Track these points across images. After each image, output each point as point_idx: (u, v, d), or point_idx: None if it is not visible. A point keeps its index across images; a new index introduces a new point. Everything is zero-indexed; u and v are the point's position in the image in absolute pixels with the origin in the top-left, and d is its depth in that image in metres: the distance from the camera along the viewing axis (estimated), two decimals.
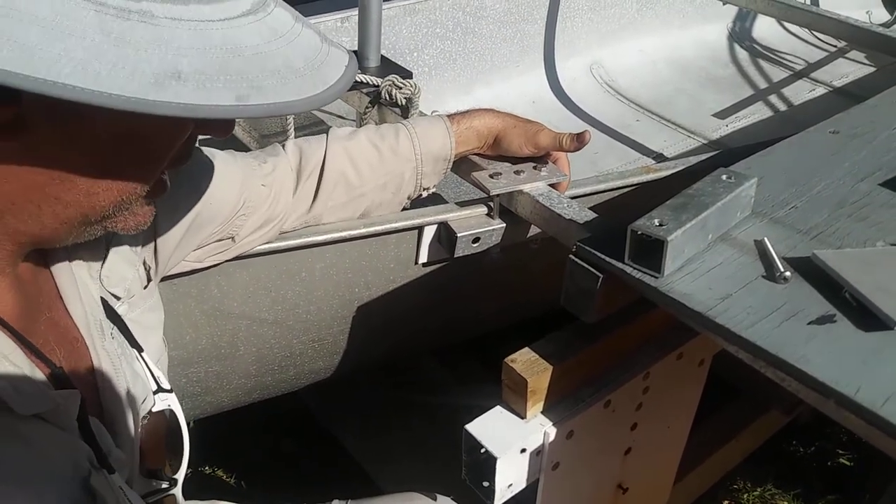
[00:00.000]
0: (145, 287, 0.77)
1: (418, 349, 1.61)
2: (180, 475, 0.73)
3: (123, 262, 0.74)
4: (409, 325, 1.29)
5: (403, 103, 1.28)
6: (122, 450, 0.65)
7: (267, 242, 0.98)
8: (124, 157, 0.55)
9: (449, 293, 1.24)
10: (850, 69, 2.39)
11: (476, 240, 1.08)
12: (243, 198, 0.90)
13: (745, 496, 1.69)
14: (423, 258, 1.12)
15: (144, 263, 0.77)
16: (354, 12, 1.64)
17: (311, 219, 1.01)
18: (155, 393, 0.73)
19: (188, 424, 1.57)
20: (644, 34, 2.38)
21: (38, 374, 0.57)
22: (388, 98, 1.30)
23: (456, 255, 1.08)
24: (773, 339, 0.68)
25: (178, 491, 0.71)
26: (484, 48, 2.09)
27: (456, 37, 2.02)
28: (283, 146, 1.00)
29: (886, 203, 0.91)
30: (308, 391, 1.37)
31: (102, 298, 0.70)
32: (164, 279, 0.90)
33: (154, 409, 0.72)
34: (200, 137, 0.64)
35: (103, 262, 0.71)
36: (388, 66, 1.48)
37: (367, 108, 1.34)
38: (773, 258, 0.78)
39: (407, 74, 1.40)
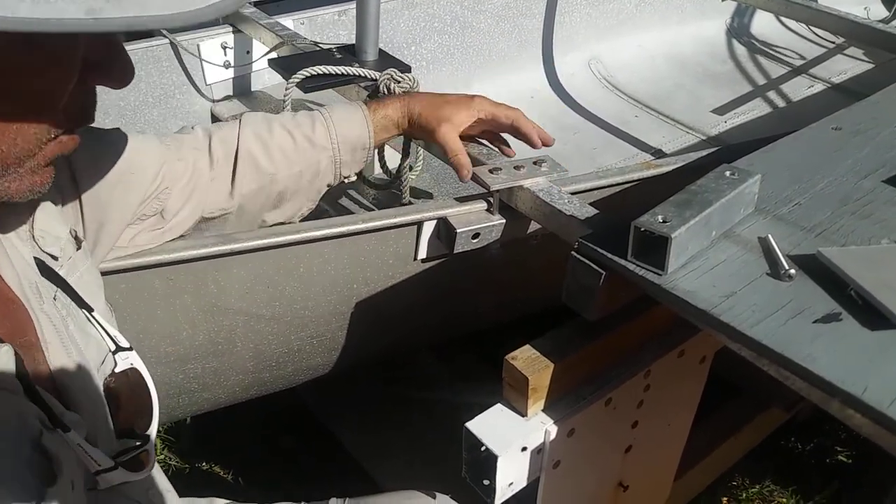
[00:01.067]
0: (77, 249, 0.75)
1: (417, 345, 1.60)
2: (152, 431, 0.71)
3: (54, 222, 0.72)
4: (408, 321, 1.28)
5: None
6: (79, 410, 0.63)
7: (202, 231, 0.99)
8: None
9: (448, 289, 1.23)
10: (848, 65, 2.38)
11: (476, 235, 1.07)
12: (161, 172, 0.90)
13: (744, 493, 1.68)
14: (423, 254, 1.11)
15: (71, 230, 0.75)
16: (352, 6, 1.62)
17: (232, 206, 0.99)
18: (114, 353, 0.71)
19: (184, 421, 1.56)
20: (642, 29, 2.37)
21: None
22: (386, 92, 1.28)
23: (455, 251, 1.07)
24: (779, 337, 0.67)
25: (150, 447, 0.69)
26: (482, 43, 2.07)
27: (454, 31, 2.01)
28: (193, 128, 0.99)
29: (890, 200, 0.90)
30: (306, 387, 1.36)
31: (38, 259, 0.68)
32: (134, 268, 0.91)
33: (117, 370, 0.70)
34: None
35: (32, 224, 0.69)
36: (386, 60, 1.47)
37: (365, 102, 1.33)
38: (778, 256, 0.77)
39: (405, 68, 1.39)
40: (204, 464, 1.70)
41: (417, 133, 1.10)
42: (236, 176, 0.98)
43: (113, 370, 0.71)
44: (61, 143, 0.58)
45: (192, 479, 1.67)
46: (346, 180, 1.09)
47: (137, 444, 0.68)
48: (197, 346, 1.06)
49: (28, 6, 0.41)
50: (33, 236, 0.69)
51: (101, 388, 0.69)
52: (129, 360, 0.72)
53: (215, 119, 1.71)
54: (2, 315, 0.62)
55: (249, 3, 1.69)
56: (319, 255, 1.05)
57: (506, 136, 1.15)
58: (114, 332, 0.72)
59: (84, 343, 0.68)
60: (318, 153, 1.02)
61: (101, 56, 0.55)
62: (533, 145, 1.11)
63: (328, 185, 1.07)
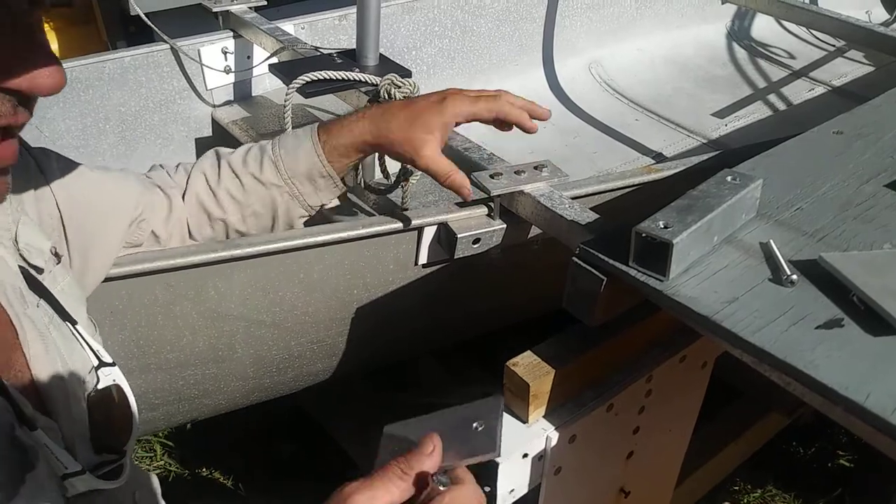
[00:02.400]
0: (58, 263, 0.75)
1: (418, 351, 1.60)
2: (129, 446, 0.70)
3: (38, 236, 0.73)
4: (409, 327, 1.28)
5: None
6: (57, 417, 0.63)
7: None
8: None
9: (449, 294, 1.23)
10: (849, 68, 2.38)
11: (476, 241, 1.07)
12: (142, 202, 0.91)
13: (746, 498, 1.68)
14: (423, 259, 1.11)
15: (52, 246, 0.75)
16: (353, 10, 1.62)
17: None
18: (98, 368, 0.70)
19: (184, 427, 1.56)
20: (643, 33, 2.37)
21: None
22: (387, 97, 1.28)
23: (456, 256, 1.07)
24: (781, 343, 0.67)
25: (126, 460, 0.69)
26: (483, 47, 2.07)
27: (455, 35, 2.01)
28: (161, 166, 0.99)
29: (892, 205, 0.90)
30: (307, 393, 1.35)
31: (22, 268, 0.68)
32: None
33: (100, 386, 0.69)
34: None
35: (16, 236, 0.69)
36: (386, 65, 1.46)
37: (366, 107, 1.33)
38: (780, 261, 0.77)
39: (406, 73, 1.39)
40: (204, 470, 1.70)
41: (395, 157, 1.00)
42: (190, 224, 0.98)
43: (95, 386, 0.70)
44: (6, 112, 0.55)
45: (192, 485, 1.67)
46: (326, 208, 1.03)
47: (114, 457, 0.68)
48: (197, 352, 1.05)
49: None
50: (18, 248, 0.69)
51: (84, 402, 0.68)
52: (112, 376, 0.71)
53: (216, 124, 1.71)
54: None
55: (250, 9, 1.69)
56: (320, 260, 1.04)
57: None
58: (97, 346, 0.72)
59: (69, 354, 0.68)
60: (271, 191, 0.97)
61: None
62: (526, 130, 1.01)
63: (303, 216, 1.01)
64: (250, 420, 1.47)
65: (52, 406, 0.64)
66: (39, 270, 0.70)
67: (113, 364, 0.72)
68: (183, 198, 0.97)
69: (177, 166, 1.00)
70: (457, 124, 0.99)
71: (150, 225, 0.93)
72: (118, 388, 0.71)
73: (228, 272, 0.99)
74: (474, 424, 0.70)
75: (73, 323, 0.71)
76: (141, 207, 0.91)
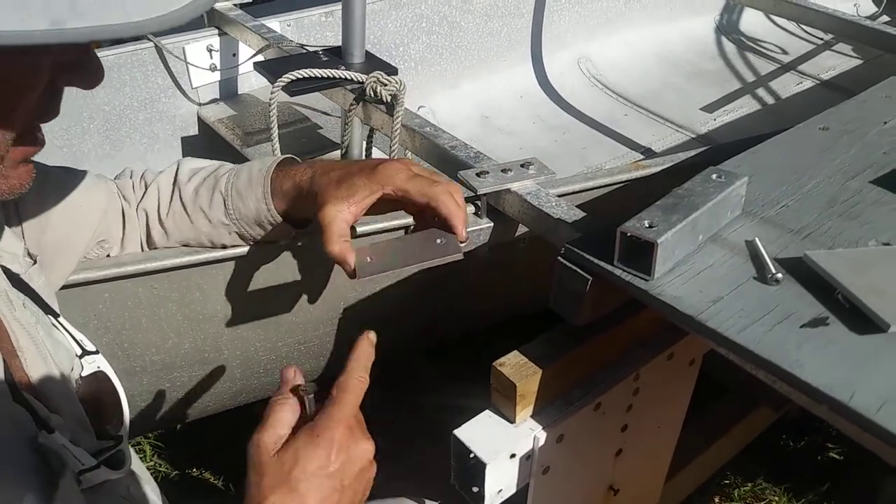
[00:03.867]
0: (34, 264, 0.75)
1: (406, 349, 1.59)
2: (124, 431, 0.72)
3: (9, 240, 0.72)
4: (397, 325, 1.27)
5: (389, 100, 1.26)
6: (60, 414, 0.64)
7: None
8: None
9: (436, 292, 1.22)
10: (837, 62, 2.39)
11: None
12: (108, 210, 0.90)
13: (736, 491, 1.68)
14: None
15: (25, 248, 0.75)
16: (338, 7, 1.61)
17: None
18: (81, 357, 0.72)
19: (174, 428, 1.55)
20: (631, 27, 2.37)
21: None
22: (372, 95, 1.27)
23: None
24: (765, 343, 0.67)
25: (124, 446, 0.70)
26: (471, 42, 2.07)
27: (442, 31, 2.00)
28: (131, 175, 0.97)
29: (878, 201, 0.90)
30: None
31: (5, 268, 0.69)
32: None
33: (84, 374, 0.71)
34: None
35: None
36: (372, 62, 1.46)
37: (351, 105, 1.32)
38: (765, 259, 0.77)
39: (392, 70, 1.38)
40: (194, 470, 1.69)
41: (311, 203, 0.87)
42: (142, 244, 0.97)
43: (80, 374, 0.71)
44: (33, 140, 0.58)
45: (182, 486, 1.66)
46: (290, 237, 0.97)
47: (111, 444, 0.69)
48: (183, 354, 1.05)
49: None
50: None
51: (74, 392, 0.69)
52: (96, 363, 0.72)
53: (202, 122, 1.70)
54: None
55: (235, 6, 1.68)
56: (306, 260, 1.04)
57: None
58: (79, 335, 0.73)
59: (54, 348, 0.69)
60: (218, 229, 0.93)
61: (71, 58, 0.56)
62: (455, 231, 0.84)
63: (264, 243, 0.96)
64: (239, 421, 1.46)
65: (52, 402, 0.65)
66: (17, 276, 0.70)
67: (96, 352, 0.73)
68: (134, 219, 0.95)
69: (141, 175, 0.97)
70: (385, 199, 0.86)
71: (108, 244, 0.92)
72: (103, 374, 0.72)
73: (213, 273, 0.98)
74: (437, 240, 0.83)
75: (56, 315, 0.71)
76: (104, 226, 0.91)
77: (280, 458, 0.63)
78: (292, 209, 0.90)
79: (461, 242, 0.84)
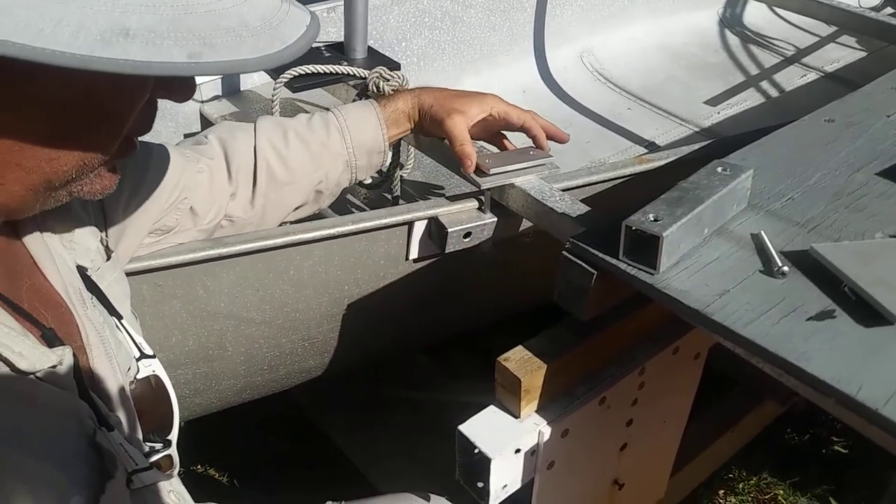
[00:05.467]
0: (107, 259, 0.77)
1: (410, 346, 1.59)
2: (173, 436, 0.74)
3: (86, 234, 0.74)
4: (401, 322, 1.27)
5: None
6: (116, 413, 0.66)
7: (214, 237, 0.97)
8: (81, 121, 0.54)
9: (440, 289, 1.22)
10: (841, 54, 2.37)
11: (467, 234, 1.06)
12: (181, 183, 0.90)
13: (741, 485, 1.68)
14: (414, 254, 1.10)
15: (102, 239, 0.78)
16: (341, 2, 1.61)
17: (254, 215, 1.00)
18: (138, 360, 0.74)
19: (179, 426, 1.55)
20: (634, 21, 2.35)
21: (31, 336, 0.58)
22: (375, 90, 1.27)
23: (447, 251, 1.07)
24: (772, 336, 0.67)
25: (173, 451, 0.73)
26: (473, 37, 2.06)
27: (444, 26, 1.99)
28: (206, 137, 0.99)
29: (884, 193, 0.89)
30: (300, 390, 1.35)
31: (80, 266, 0.71)
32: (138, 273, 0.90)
33: (139, 377, 0.73)
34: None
35: (72, 234, 0.72)
36: (375, 58, 1.45)
37: (354, 100, 1.32)
38: (771, 252, 0.76)
39: (395, 66, 1.38)
40: (199, 467, 1.69)
41: (427, 126, 1.07)
42: (256, 188, 0.98)
43: (135, 377, 0.73)
44: (127, 148, 0.62)
45: (187, 482, 1.66)
46: (359, 183, 1.09)
47: (159, 446, 0.71)
48: (187, 352, 1.05)
49: (137, 48, 0.45)
50: (63, 247, 0.71)
51: (129, 394, 0.71)
52: (152, 367, 0.74)
53: (204, 119, 1.69)
54: (55, 318, 0.64)
55: None
56: (309, 257, 1.03)
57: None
58: (139, 339, 0.75)
59: (116, 348, 0.71)
60: (335, 160, 1.02)
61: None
62: (540, 147, 1.09)
63: (338, 191, 1.07)
64: (244, 417, 1.47)
65: (111, 401, 0.66)
66: (85, 269, 0.72)
67: (153, 356, 0.75)
68: (255, 168, 0.97)
69: (206, 135, 0.99)
70: (489, 120, 1.07)
71: (190, 202, 0.92)
72: (157, 378, 0.74)
73: (217, 270, 0.98)
74: (531, 152, 1.07)
75: (119, 318, 0.73)
76: (181, 188, 0.90)
77: None
78: (395, 135, 1.07)
79: (549, 155, 1.08)
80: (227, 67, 0.48)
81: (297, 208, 1.04)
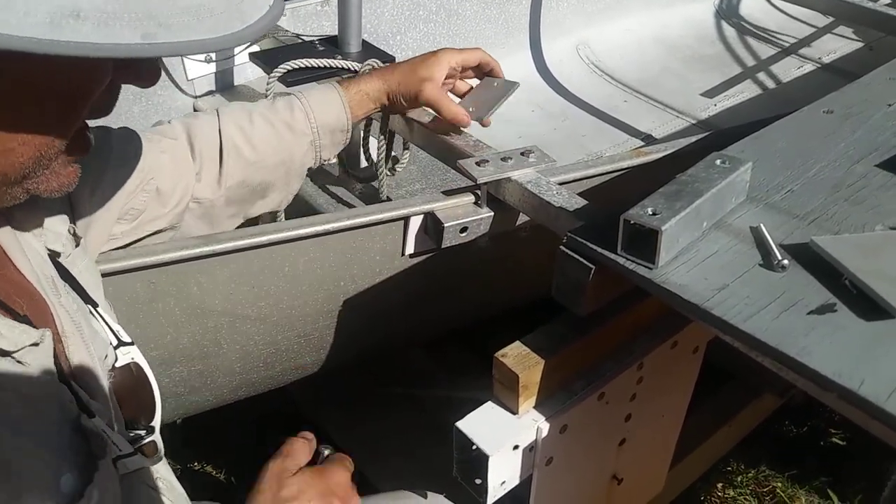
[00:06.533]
0: (76, 246, 0.76)
1: (407, 342, 1.58)
2: (156, 422, 0.73)
3: (56, 220, 0.74)
4: (397, 318, 1.26)
5: None
6: (97, 400, 0.65)
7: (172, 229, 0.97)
8: (37, 107, 0.53)
9: (437, 284, 1.21)
10: (838, 45, 2.36)
11: (464, 229, 1.05)
12: (145, 165, 0.90)
13: (740, 478, 1.68)
14: (410, 249, 1.09)
15: (70, 227, 0.77)
16: None
17: (219, 197, 1.00)
18: (116, 347, 0.73)
19: (174, 423, 1.54)
20: (630, 13, 2.34)
21: (8, 320, 0.58)
22: None
23: (443, 246, 1.06)
24: (772, 330, 0.66)
25: (156, 437, 0.72)
26: (468, 30, 2.04)
27: (440, 19, 1.98)
28: (169, 121, 0.99)
29: (884, 185, 0.88)
30: (296, 386, 1.34)
31: (51, 252, 0.70)
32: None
33: (118, 364, 0.73)
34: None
35: (41, 220, 0.71)
36: (369, 51, 1.44)
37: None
38: (771, 245, 0.76)
39: (389, 59, 1.37)
40: (196, 464, 1.69)
41: (402, 104, 1.12)
42: (223, 168, 0.99)
43: (114, 364, 0.72)
44: (85, 141, 0.60)
45: (183, 479, 1.65)
46: (325, 163, 1.10)
47: (143, 433, 0.70)
48: (182, 349, 1.04)
49: (89, 30, 0.44)
50: (33, 233, 0.70)
51: (107, 382, 0.70)
52: (130, 354, 0.73)
53: None
54: (30, 307, 0.63)
55: None
56: (304, 253, 1.02)
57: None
58: (116, 326, 0.74)
59: (91, 337, 0.70)
60: (299, 139, 1.04)
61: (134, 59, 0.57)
62: (498, 75, 1.19)
63: (308, 169, 1.08)
64: (240, 414, 1.46)
65: (91, 389, 0.66)
66: (57, 254, 0.71)
67: (131, 343, 0.74)
68: (221, 148, 0.98)
69: (170, 120, 0.99)
70: (451, 72, 1.14)
71: (156, 182, 0.92)
72: (136, 365, 0.73)
73: (211, 267, 0.97)
74: (494, 84, 1.18)
75: (95, 305, 0.72)
76: (146, 169, 0.90)
77: (279, 482, 0.82)
78: (359, 115, 1.10)
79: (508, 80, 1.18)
80: (183, 48, 0.47)
81: (264, 192, 1.04)
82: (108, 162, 0.85)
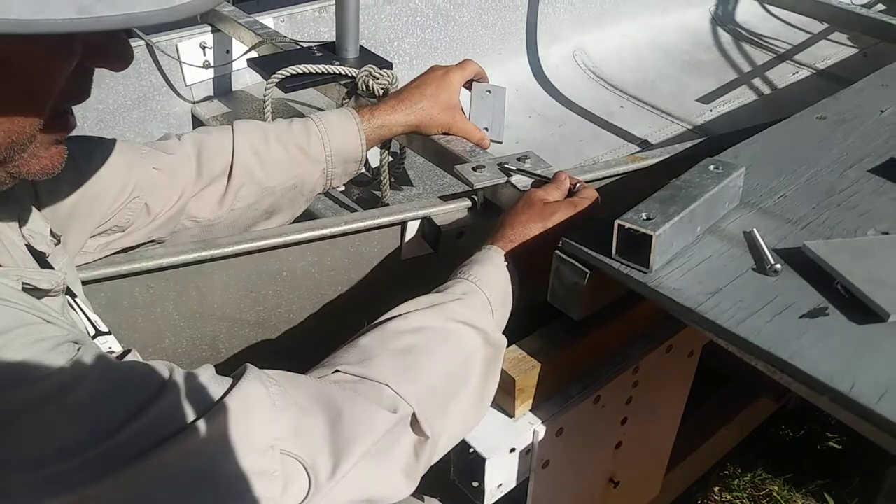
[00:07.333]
0: (57, 244, 0.77)
1: None
2: None
3: (38, 220, 0.74)
4: None
5: (381, 94, 1.25)
6: None
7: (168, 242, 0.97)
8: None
9: (434, 289, 1.21)
10: (832, 51, 2.38)
11: (460, 234, 1.06)
12: (133, 179, 0.89)
13: (736, 482, 1.68)
14: (407, 254, 1.10)
15: (50, 228, 0.77)
16: (332, 2, 1.60)
17: (220, 217, 0.99)
18: (94, 338, 0.73)
19: None
20: (626, 19, 2.36)
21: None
22: (364, 89, 1.27)
23: (440, 250, 1.06)
24: (765, 334, 0.67)
25: None
26: (465, 36, 2.06)
27: (437, 25, 1.99)
28: (179, 137, 0.98)
29: (876, 190, 0.89)
30: None
31: (30, 248, 0.70)
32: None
33: None
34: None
35: (21, 220, 0.71)
36: (366, 57, 1.45)
37: (343, 99, 1.31)
38: (764, 250, 0.76)
39: (386, 65, 1.37)
40: None
41: (431, 132, 1.15)
42: (230, 188, 0.98)
43: None
44: (64, 122, 0.60)
45: None
46: (332, 190, 1.11)
47: None
48: (180, 354, 1.04)
49: (20, 6, 0.42)
50: (23, 234, 0.71)
51: None
52: (108, 343, 0.73)
53: (196, 120, 1.69)
54: None
55: (228, 2, 1.67)
56: (302, 257, 1.03)
57: None
58: (93, 316, 0.74)
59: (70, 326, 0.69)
60: (312, 165, 1.03)
61: (99, 41, 0.57)
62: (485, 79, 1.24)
63: (313, 196, 1.08)
64: None
65: None
66: (44, 255, 0.71)
67: (108, 333, 0.74)
68: (231, 167, 0.97)
69: (180, 136, 0.99)
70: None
71: (143, 199, 0.91)
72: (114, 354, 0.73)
73: (209, 272, 0.97)
74: (487, 90, 1.23)
75: (74, 296, 0.73)
76: (131, 187, 0.90)
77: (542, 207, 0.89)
78: (371, 146, 1.10)
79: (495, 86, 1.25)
80: (123, 21, 0.45)
81: (270, 214, 1.04)
82: (85, 175, 0.84)
